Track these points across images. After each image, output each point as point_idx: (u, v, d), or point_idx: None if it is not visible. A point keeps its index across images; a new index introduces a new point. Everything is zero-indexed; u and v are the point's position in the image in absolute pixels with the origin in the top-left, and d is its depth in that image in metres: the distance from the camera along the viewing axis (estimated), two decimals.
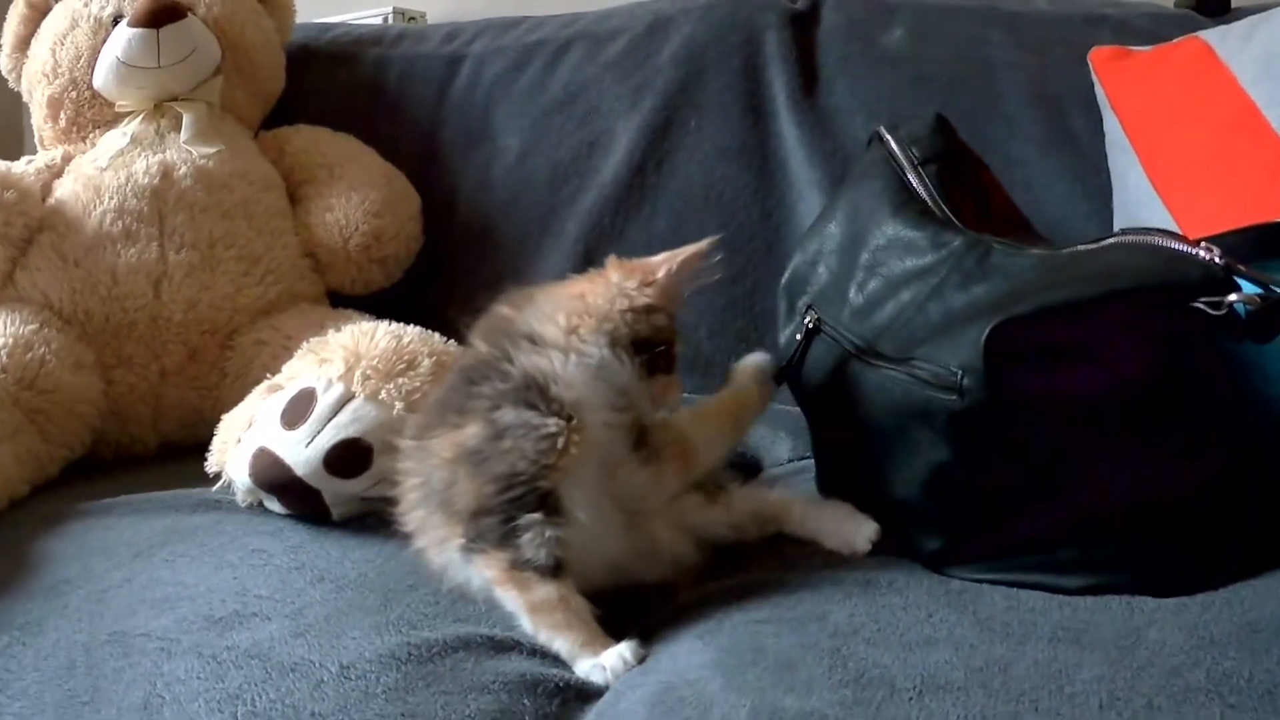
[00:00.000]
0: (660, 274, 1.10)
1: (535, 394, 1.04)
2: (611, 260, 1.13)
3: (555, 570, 1.03)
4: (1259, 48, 1.59)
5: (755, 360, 1.27)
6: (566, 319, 1.08)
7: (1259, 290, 0.99)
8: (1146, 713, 0.86)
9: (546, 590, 1.03)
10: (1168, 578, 1.05)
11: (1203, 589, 1.04)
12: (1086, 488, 1.07)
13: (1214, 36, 1.67)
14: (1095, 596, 1.04)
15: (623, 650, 1.03)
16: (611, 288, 1.10)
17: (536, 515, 1.02)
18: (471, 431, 1.05)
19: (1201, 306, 1.00)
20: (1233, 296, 0.99)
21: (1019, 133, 1.83)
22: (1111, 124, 1.73)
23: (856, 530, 1.17)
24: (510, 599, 1.05)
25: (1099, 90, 1.77)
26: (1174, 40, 1.73)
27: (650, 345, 1.09)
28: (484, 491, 1.03)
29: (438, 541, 1.10)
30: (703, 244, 1.12)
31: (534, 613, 1.04)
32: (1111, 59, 1.76)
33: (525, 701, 0.98)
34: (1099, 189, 1.76)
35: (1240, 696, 0.87)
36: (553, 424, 1.02)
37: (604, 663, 1.02)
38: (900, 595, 1.07)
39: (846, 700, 0.90)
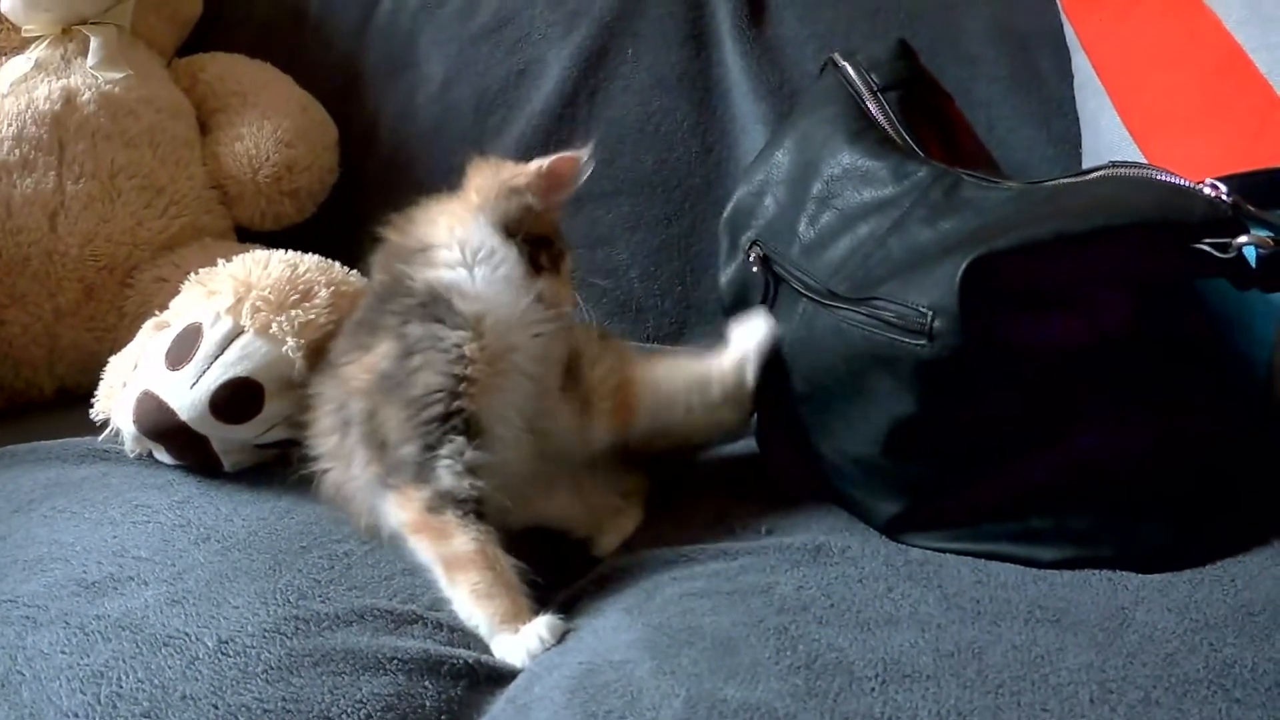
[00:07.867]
0: (531, 168, 1.13)
1: (441, 307, 1.06)
2: (478, 161, 1.17)
3: (476, 513, 0.99)
4: None
5: (755, 335, 1.16)
6: (448, 219, 1.12)
7: (1270, 233, 0.92)
8: (1144, 707, 0.80)
9: (465, 540, 0.98)
10: (1151, 552, 0.99)
11: (1189, 565, 0.98)
12: (1062, 449, 1.00)
13: None
14: (1073, 571, 0.98)
15: (540, 629, 0.95)
16: (487, 178, 1.13)
17: (458, 439, 1.01)
18: (383, 350, 1.06)
19: (1206, 248, 0.92)
20: (1242, 239, 0.91)
21: (982, 72, 1.76)
22: (1082, 65, 1.66)
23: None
24: (424, 549, 1.00)
25: (1068, 30, 1.70)
26: None
27: (535, 240, 1.11)
28: (402, 417, 1.02)
29: (349, 468, 1.08)
30: (578, 151, 1.14)
31: (451, 569, 0.98)
32: None
33: (426, 684, 0.91)
34: (1066, 133, 1.70)
35: (1245, 690, 0.81)
36: (456, 336, 1.04)
37: (523, 643, 0.95)
38: (855, 566, 1.00)
39: (798, 690, 0.82)
